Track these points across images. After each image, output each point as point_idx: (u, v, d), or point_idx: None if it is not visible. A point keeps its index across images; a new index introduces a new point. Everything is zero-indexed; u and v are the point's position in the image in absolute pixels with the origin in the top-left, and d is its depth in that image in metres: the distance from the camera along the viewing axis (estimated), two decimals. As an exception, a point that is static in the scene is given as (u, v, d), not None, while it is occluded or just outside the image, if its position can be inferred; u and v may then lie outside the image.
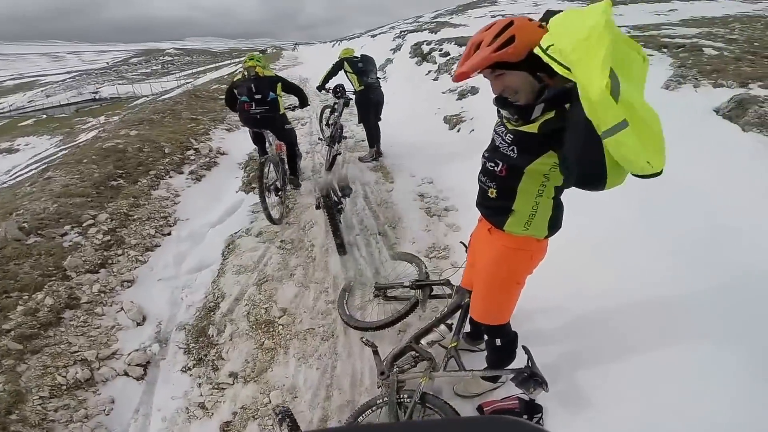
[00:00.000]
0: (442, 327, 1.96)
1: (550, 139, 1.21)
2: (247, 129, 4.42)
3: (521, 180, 1.36)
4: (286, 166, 4.09)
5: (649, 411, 1.64)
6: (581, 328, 2.13)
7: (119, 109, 13.58)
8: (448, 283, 2.28)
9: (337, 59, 5.13)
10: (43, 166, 6.67)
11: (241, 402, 2.08)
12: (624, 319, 2.06)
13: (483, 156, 1.49)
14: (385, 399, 1.77)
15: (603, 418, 1.67)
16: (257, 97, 3.76)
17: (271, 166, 3.73)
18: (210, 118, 7.83)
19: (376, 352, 1.97)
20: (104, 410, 2.09)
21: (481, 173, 1.51)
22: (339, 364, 2.26)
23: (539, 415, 1.79)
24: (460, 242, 2.24)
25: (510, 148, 1.33)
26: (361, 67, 4.95)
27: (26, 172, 7.18)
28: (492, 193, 1.45)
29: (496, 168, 1.40)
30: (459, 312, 1.97)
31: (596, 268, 2.42)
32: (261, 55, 4.54)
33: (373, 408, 1.80)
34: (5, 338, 2.30)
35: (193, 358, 2.40)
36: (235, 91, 3.93)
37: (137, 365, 2.35)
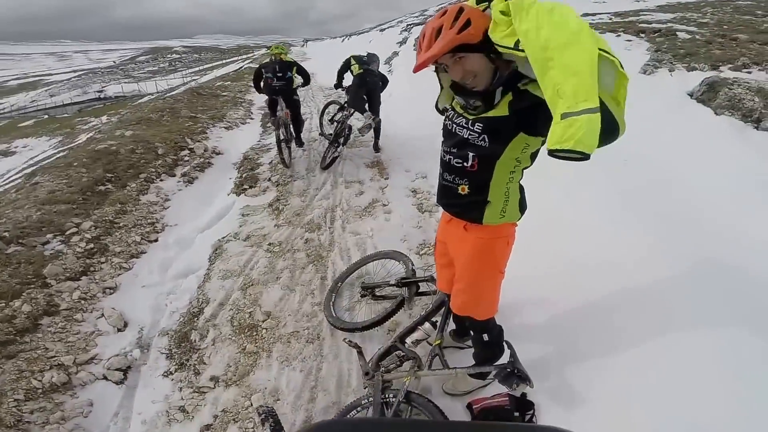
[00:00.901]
0: (427, 325, 2.00)
1: (521, 120, 1.25)
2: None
3: (494, 170, 1.37)
4: (292, 129, 5.49)
5: (644, 404, 1.62)
6: (573, 321, 2.12)
7: (123, 108, 13.79)
8: (432, 279, 2.31)
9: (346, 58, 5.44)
10: (33, 170, 6.81)
11: (222, 405, 2.12)
12: (617, 311, 2.05)
13: (446, 153, 1.47)
14: (371, 399, 1.80)
15: (598, 412, 1.67)
16: (278, 74, 5.19)
17: (281, 126, 5.18)
18: (209, 116, 7.83)
19: (360, 353, 2.01)
20: (82, 413, 2.15)
21: (446, 172, 1.50)
22: (325, 366, 2.28)
23: (531, 411, 1.79)
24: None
25: (481, 138, 1.33)
26: (365, 59, 5.24)
27: (19, 177, 7.35)
28: (463, 189, 1.45)
29: (465, 163, 1.40)
30: (443, 309, 2.00)
31: (587, 258, 2.40)
32: (283, 45, 5.99)
33: (359, 408, 1.84)
34: None
35: (175, 363, 2.44)
36: (263, 70, 5.29)
37: (117, 370, 2.40)
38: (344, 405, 1.99)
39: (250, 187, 4.72)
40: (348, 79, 5.41)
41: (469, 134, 1.36)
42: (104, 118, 12.95)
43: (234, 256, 3.41)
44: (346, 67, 5.36)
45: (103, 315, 2.84)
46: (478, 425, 1.09)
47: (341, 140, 5.06)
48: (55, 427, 2.03)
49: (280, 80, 5.18)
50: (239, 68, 18.10)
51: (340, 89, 5.64)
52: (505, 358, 1.65)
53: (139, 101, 14.32)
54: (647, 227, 2.41)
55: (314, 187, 4.60)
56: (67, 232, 3.58)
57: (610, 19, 7.15)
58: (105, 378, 2.36)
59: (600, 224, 2.56)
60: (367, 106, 5.13)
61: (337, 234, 3.58)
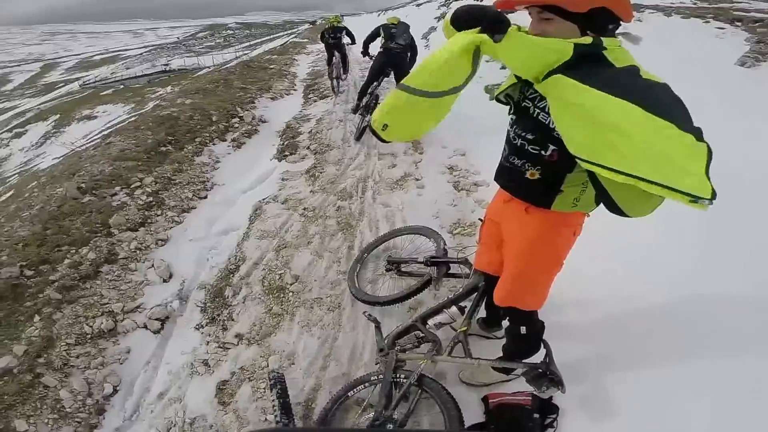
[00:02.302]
0: (454, 309, 1.79)
1: None
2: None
3: (576, 166, 1.09)
4: (341, 70, 7.43)
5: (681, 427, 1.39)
6: (618, 327, 1.86)
7: (184, 79, 14.20)
8: (466, 261, 2.08)
9: (377, 26, 5.15)
10: (109, 132, 7.17)
11: (241, 363, 2.08)
12: (669, 322, 1.77)
13: (518, 136, 1.23)
14: (381, 376, 1.66)
15: (627, 429, 1.45)
16: (332, 35, 7.25)
17: (334, 68, 7.24)
18: (257, 87, 7.87)
19: (378, 328, 1.87)
20: (119, 359, 2.18)
21: (515, 156, 1.26)
22: (341, 336, 2.18)
23: (554, 416, 1.58)
24: (479, 218, 2.00)
25: None
26: (393, 32, 4.88)
27: (98, 137, 7.78)
28: (533, 175, 1.22)
29: (544, 152, 1.16)
30: (475, 294, 1.77)
31: (645, 262, 2.10)
32: (339, 16, 7.92)
33: (366, 384, 1.72)
34: (49, 288, 2.46)
35: (207, 317, 2.43)
36: (324, 32, 7.38)
37: (156, 319, 2.41)
38: (353, 378, 1.87)
39: (291, 154, 4.65)
40: (375, 48, 5.18)
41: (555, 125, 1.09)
42: (168, 88, 13.38)
43: (271, 218, 3.35)
44: (374, 36, 5.14)
45: (153, 266, 2.87)
46: None
47: (370, 110, 4.85)
48: (93, 372, 2.07)
49: (334, 39, 7.29)
50: (285, 42, 17.91)
51: (367, 57, 5.46)
52: (536, 357, 1.46)
53: (198, 73, 14.63)
54: (729, 243, 2.04)
55: (348, 156, 4.43)
56: (132, 186, 3.70)
57: (694, 3, 6.17)
58: (145, 327, 2.38)
59: (670, 230, 2.19)
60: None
61: (367, 204, 3.42)
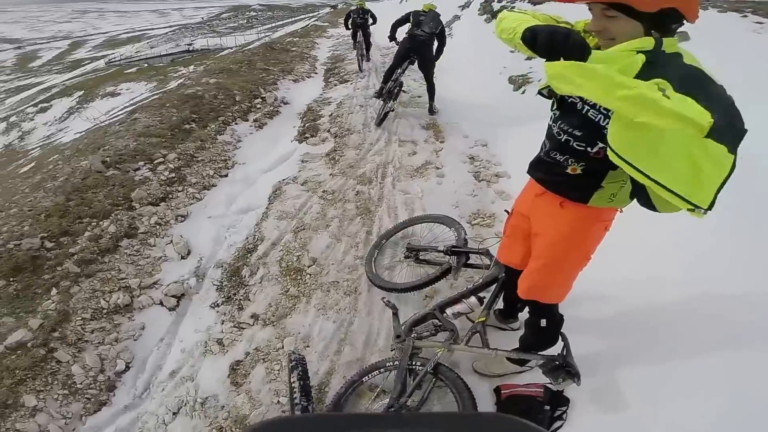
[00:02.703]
0: (473, 299, 1.77)
1: None
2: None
3: None
4: (365, 50, 7.95)
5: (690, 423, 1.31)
6: (635, 322, 1.77)
7: (207, 59, 14.16)
8: (487, 253, 2.01)
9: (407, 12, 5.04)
10: (133, 108, 7.21)
11: (256, 343, 2.04)
12: (683, 319, 1.67)
13: (564, 132, 1.17)
14: (396, 363, 1.63)
15: (636, 424, 1.40)
16: (360, 15, 7.82)
17: (359, 46, 7.74)
18: (280, 69, 7.77)
19: (395, 315, 1.83)
20: (133, 336, 2.15)
21: (557, 151, 1.21)
22: (356, 321, 2.13)
23: (564, 408, 1.55)
24: (505, 210, 1.92)
25: None
26: (421, 19, 4.72)
27: (122, 114, 7.84)
28: (574, 170, 1.19)
29: (590, 148, 1.12)
30: (494, 286, 1.74)
31: (661, 260, 1.98)
32: (363, 1, 8.24)
33: (381, 370, 1.69)
34: (68, 261, 2.43)
35: (223, 296, 2.39)
36: (351, 12, 7.98)
37: (173, 296, 2.37)
38: (368, 363, 1.84)
39: (311, 136, 4.57)
40: (401, 34, 5.01)
41: (607, 122, 1.03)
42: (191, 68, 13.35)
43: (290, 199, 3.30)
44: (402, 21, 4.98)
45: (172, 241, 2.85)
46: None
47: (392, 96, 4.71)
48: (107, 348, 2.03)
49: (360, 18, 7.84)
50: (306, 25, 17.73)
51: (393, 42, 5.25)
52: (553, 350, 1.44)
53: (221, 54, 14.59)
54: (742, 235, 1.90)
55: (369, 142, 4.31)
56: (155, 161, 3.69)
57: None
58: (161, 303, 2.34)
59: (685, 227, 2.00)
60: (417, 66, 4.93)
61: (386, 190, 3.33)
